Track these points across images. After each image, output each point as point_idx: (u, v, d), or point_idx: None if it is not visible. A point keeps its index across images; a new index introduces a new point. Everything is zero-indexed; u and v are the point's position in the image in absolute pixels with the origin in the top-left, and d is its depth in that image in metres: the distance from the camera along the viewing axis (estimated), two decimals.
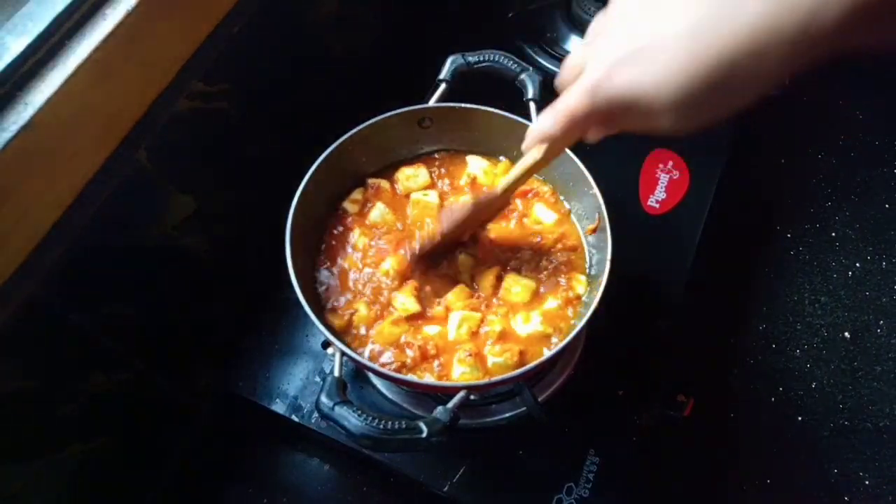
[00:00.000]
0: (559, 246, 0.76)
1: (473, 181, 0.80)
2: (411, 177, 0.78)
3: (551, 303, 0.71)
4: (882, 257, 1.10)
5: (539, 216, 0.78)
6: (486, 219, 0.74)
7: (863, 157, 1.19)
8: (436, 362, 0.67)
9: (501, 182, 0.66)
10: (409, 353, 0.67)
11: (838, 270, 1.09)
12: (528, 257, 0.74)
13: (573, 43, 1.08)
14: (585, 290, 0.72)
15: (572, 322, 0.70)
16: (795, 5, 0.36)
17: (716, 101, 0.40)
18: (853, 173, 1.18)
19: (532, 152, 0.58)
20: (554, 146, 0.56)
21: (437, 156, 0.82)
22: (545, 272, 0.73)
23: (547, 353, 0.64)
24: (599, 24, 0.47)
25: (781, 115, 1.18)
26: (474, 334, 0.69)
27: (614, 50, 0.43)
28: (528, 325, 0.69)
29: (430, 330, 0.69)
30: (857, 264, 1.09)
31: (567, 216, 0.78)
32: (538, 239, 0.76)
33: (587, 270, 0.75)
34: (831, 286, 1.07)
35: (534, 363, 0.63)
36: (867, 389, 0.99)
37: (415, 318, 0.69)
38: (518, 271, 0.73)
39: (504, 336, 0.69)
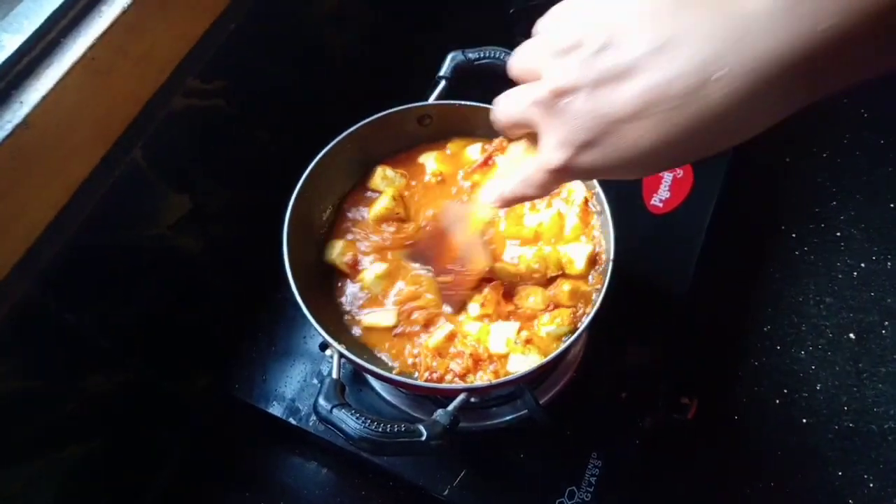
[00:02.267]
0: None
1: (442, 177, 0.78)
2: (386, 178, 0.77)
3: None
4: (887, 257, 1.09)
5: None
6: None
7: (868, 156, 1.18)
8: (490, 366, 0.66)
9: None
10: (459, 362, 0.65)
11: (843, 271, 1.08)
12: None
13: None
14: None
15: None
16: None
17: (686, 158, 0.39)
18: (858, 172, 1.17)
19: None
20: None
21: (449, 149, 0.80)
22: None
23: (549, 355, 0.63)
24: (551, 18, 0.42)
25: None
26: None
27: (571, 124, 0.38)
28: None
29: (471, 328, 0.68)
30: (863, 264, 1.08)
31: None
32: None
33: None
34: (836, 287, 1.06)
35: (534, 365, 0.62)
36: (872, 391, 0.98)
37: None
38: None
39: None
